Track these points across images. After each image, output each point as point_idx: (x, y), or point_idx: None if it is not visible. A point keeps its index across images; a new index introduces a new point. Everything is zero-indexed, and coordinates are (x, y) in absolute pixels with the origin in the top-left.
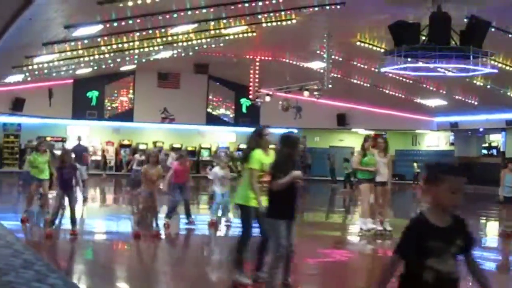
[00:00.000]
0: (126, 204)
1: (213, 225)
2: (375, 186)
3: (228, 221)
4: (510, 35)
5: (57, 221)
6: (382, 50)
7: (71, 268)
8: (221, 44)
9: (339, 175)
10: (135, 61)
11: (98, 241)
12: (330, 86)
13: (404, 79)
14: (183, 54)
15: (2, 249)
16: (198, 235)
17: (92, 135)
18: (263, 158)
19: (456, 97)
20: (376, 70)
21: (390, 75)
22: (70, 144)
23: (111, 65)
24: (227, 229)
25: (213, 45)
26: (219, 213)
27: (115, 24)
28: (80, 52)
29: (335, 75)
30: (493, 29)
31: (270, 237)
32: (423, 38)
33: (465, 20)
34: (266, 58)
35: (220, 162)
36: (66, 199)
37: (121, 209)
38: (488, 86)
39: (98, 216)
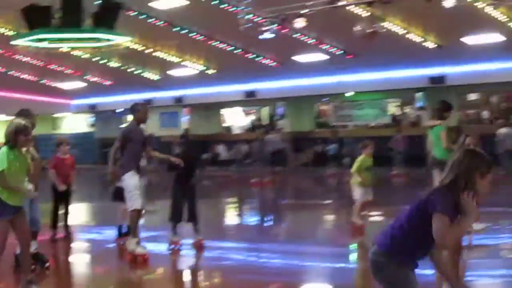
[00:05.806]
0: None
1: None
2: None
3: None
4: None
5: None
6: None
7: None
8: None
9: None
10: None
11: None
12: None
13: (37, 62)
14: None
15: None
16: None
17: None
18: None
19: (93, 79)
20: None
21: (23, 58)
22: None
23: None
24: None
25: None
26: None
27: None
28: None
29: None
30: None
31: None
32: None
33: (98, 2)
34: None
35: None
36: None
37: None
38: (122, 68)
39: None
